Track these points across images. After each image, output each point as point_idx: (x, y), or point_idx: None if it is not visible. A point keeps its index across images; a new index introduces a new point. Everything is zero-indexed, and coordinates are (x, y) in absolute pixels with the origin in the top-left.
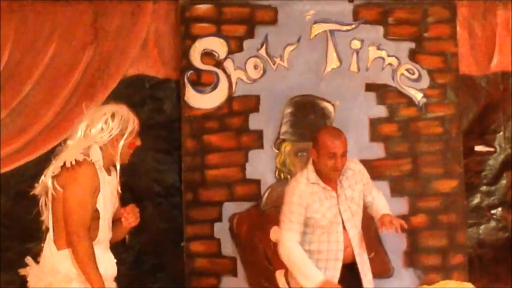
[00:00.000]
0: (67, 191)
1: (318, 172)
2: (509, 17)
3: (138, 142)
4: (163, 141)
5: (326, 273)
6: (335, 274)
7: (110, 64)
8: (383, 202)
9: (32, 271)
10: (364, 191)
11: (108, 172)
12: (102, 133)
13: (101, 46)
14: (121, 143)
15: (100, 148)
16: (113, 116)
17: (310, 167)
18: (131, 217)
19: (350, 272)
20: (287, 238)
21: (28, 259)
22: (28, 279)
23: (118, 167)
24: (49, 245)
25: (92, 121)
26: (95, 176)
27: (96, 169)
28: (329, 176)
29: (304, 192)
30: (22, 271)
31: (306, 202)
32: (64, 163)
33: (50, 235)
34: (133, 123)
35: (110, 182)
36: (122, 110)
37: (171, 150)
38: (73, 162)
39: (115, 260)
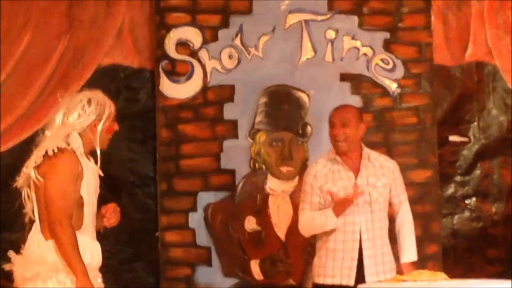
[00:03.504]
0: (48, 180)
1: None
2: (483, 7)
3: (116, 127)
4: (137, 131)
5: (342, 272)
6: (351, 274)
7: (85, 54)
8: (408, 231)
9: (16, 262)
10: (391, 189)
11: (88, 158)
12: (79, 119)
13: (75, 36)
14: (99, 128)
15: (79, 134)
16: (89, 102)
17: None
18: (113, 217)
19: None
20: (300, 217)
21: (11, 253)
22: (13, 270)
23: (98, 152)
24: (36, 235)
25: (68, 109)
26: (76, 163)
27: (78, 156)
28: (338, 150)
29: (320, 173)
30: (6, 266)
31: (320, 182)
32: (46, 152)
33: (36, 226)
34: (110, 108)
35: (93, 168)
36: (98, 95)
37: (146, 140)
38: (55, 150)
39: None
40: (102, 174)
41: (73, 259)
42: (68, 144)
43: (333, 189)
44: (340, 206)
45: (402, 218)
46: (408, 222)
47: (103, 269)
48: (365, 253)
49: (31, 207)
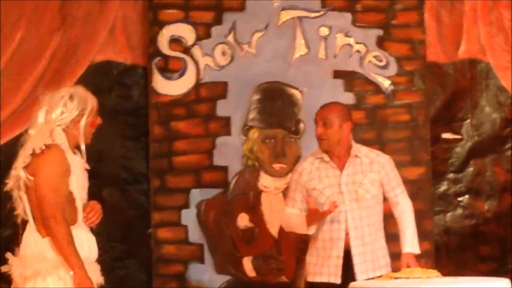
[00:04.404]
0: (38, 177)
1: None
2: (476, 5)
3: (99, 120)
4: (130, 127)
5: (329, 270)
6: (337, 272)
7: (78, 50)
8: (408, 224)
9: (14, 263)
10: (383, 185)
11: (74, 153)
12: (62, 115)
13: (68, 32)
14: (83, 122)
15: (63, 130)
16: (71, 97)
17: None
18: (93, 215)
19: (345, 260)
20: (283, 213)
21: (8, 255)
22: (11, 271)
23: (82, 147)
24: (31, 235)
25: (51, 106)
26: (64, 158)
27: (64, 152)
28: (321, 148)
29: (305, 170)
30: (3, 268)
31: (304, 179)
32: (34, 151)
33: (31, 225)
34: (92, 102)
35: (79, 162)
36: (79, 90)
37: (139, 136)
38: (43, 147)
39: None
40: (88, 168)
41: (69, 253)
42: (53, 140)
43: (318, 187)
44: (313, 216)
45: (400, 211)
46: (406, 214)
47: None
48: (354, 251)
49: (23, 208)
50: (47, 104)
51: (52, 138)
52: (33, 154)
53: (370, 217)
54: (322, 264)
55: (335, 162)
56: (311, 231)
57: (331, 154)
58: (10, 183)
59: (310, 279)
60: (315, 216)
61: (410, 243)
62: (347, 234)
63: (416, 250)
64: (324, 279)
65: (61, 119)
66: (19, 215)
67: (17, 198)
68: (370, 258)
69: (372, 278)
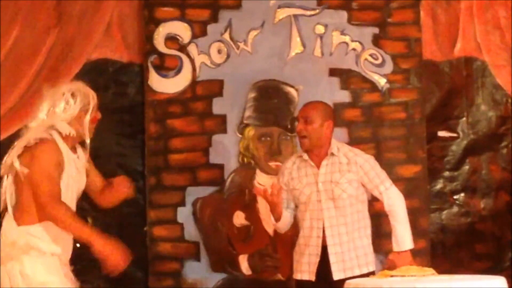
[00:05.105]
0: (33, 168)
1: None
2: (472, 3)
3: (99, 116)
4: (126, 125)
5: (309, 268)
6: (314, 269)
7: (74, 48)
8: (399, 222)
9: None
10: (365, 184)
11: (73, 150)
12: (65, 112)
13: (64, 30)
14: (87, 118)
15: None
16: (73, 95)
17: None
18: (123, 187)
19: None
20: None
21: None
22: None
23: (88, 142)
24: (9, 222)
25: (54, 102)
26: (58, 153)
27: (59, 147)
28: (302, 146)
29: (287, 170)
30: None
31: (285, 179)
32: (28, 142)
33: (9, 213)
34: (94, 98)
35: (76, 160)
36: (80, 87)
37: (135, 134)
38: (37, 140)
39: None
40: (89, 167)
41: (78, 227)
42: (50, 136)
43: (298, 186)
44: (269, 205)
45: (388, 209)
46: (395, 211)
47: (92, 264)
48: (330, 250)
49: (9, 195)
50: (50, 99)
51: (50, 133)
52: (26, 146)
53: (347, 216)
54: (302, 262)
55: (314, 160)
56: (282, 226)
57: (311, 153)
58: (1, 170)
59: (294, 276)
60: (268, 203)
61: (401, 241)
62: (324, 232)
63: (408, 246)
64: (304, 276)
65: (64, 115)
66: (3, 201)
67: (6, 185)
68: (348, 257)
69: (366, 276)
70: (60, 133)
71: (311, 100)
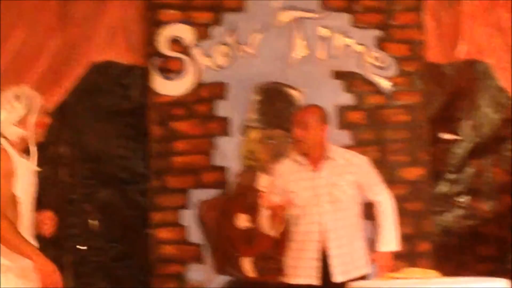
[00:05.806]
0: None
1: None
2: (475, 5)
3: (48, 120)
4: (130, 127)
5: (307, 272)
6: (316, 274)
7: (77, 51)
8: (387, 224)
9: None
10: (361, 185)
11: (24, 154)
12: (10, 116)
13: (67, 33)
14: (31, 122)
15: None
16: (17, 97)
17: None
18: (48, 224)
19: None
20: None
21: None
22: None
23: (32, 148)
24: None
25: None
26: (6, 160)
27: (8, 153)
28: (298, 150)
29: (284, 172)
30: None
31: (281, 182)
32: None
33: None
34: (39, 101)
35: (27, 165)
36: (25, 90)
37: (138, 136)
38: None
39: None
40: (38, 169)
41: (19, 243)
42: None
43: (294, 189)
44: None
45: (380, 210)
46: (385, 213)
47: (94, 266)
48: (332, 252)
49: None
50: None
51: (1, 139)
52: None
53: (347, 219)
54: (298, 266)
55: (311, 164)
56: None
57: (307, 156)
58: None
59: (287, 280)
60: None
61: (388, 242)
62: (322, 236)
63: (393, 248)
64: (301, 281)
65: (8, 119)
66: None
67: None
68: (349, 260)
69: (363, 278)
70: (8, 139)
71: (306, 105)
